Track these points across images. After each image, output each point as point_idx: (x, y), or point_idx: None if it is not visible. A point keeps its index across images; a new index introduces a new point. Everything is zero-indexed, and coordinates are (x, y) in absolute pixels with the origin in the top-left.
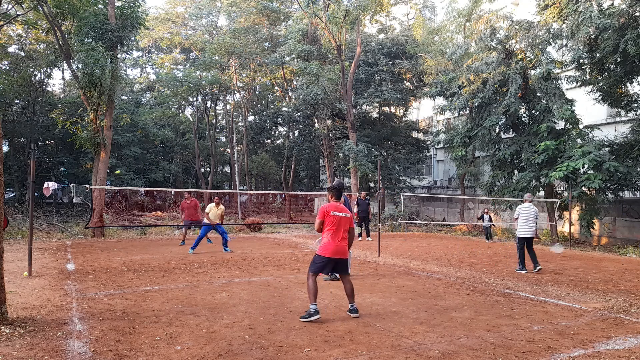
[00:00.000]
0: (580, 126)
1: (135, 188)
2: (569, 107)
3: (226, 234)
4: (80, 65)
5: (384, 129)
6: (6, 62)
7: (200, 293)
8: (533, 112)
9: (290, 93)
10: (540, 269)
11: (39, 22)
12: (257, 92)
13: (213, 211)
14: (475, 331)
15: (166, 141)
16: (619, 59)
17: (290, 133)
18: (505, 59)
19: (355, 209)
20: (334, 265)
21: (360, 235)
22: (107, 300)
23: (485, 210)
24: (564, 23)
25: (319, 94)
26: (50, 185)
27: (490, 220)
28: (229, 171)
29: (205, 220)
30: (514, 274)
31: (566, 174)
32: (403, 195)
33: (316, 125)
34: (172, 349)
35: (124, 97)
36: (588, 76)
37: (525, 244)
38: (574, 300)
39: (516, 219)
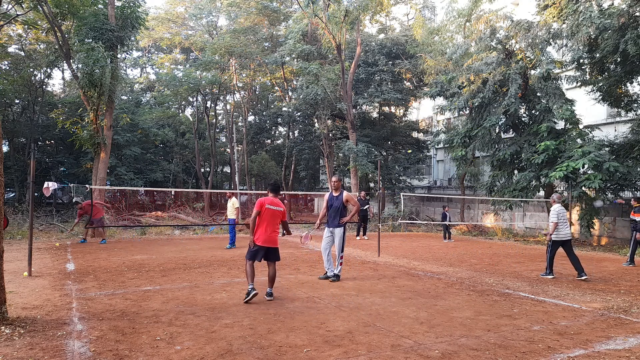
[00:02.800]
0: (580, 126)
1: (135, 188)
2: (569, 107)
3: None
4: (80, 65)
5: (384, 129)
6: (6, 62)
7: (200, 293)
8: (533, 112)
9: (290, 93)
10: (586, 277)
11: (39, 22)
12: (257, 92)
13: (228, 206)
14: (475, 331)
15: (166, 141)
16: (619, 59)
17: (290, 133)
18: (505, 59)
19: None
20: (265, 253)
21: (358, 234)
22: (107, 300)
23: (446, 208)
24: (564, 23)
25: (319, 94)
26: (50, 185)
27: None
28: (229, 171)
29: (229, 217)
30: (514, 273)
31: (566, 174)
32: (403, 195)
33: (316, 125)
34: (172, 349)
35: (124, 97)
36: (588, 76)
37: (565, 248)
38: (574, 300)
39: (557, 223)
